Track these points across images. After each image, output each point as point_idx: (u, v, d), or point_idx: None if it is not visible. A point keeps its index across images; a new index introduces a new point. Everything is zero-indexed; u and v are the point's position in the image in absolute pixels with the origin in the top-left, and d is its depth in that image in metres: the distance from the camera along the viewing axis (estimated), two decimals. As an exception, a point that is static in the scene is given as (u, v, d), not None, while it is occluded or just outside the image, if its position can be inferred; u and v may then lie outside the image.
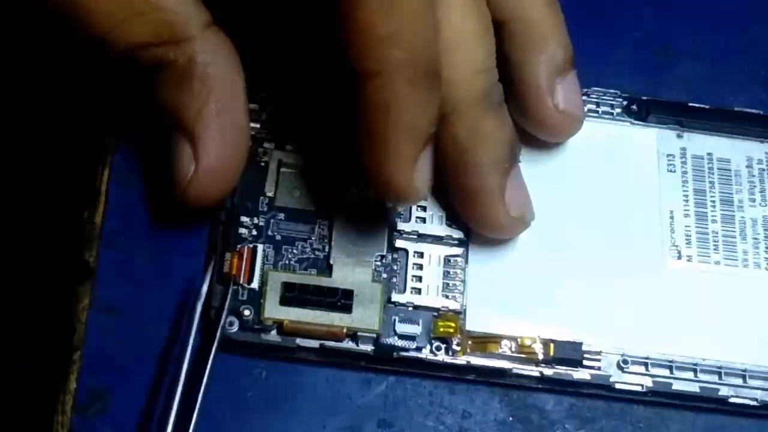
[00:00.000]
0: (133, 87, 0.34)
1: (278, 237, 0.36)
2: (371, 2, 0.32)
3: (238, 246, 0.35)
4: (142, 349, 0.35)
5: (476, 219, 0.36)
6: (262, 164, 0.36)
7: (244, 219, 0.35)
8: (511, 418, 0.35)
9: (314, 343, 0.34)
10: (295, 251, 0.35)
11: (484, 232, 0.36)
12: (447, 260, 0.36)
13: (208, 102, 0.33)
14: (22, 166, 0.40)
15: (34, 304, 0.39)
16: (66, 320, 0.35)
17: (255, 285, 0.35)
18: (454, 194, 0.36)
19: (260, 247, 0.35)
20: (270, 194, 0.36)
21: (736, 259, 0.38)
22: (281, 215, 0.36)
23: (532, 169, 0.38)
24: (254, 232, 0.35)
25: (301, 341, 0.34)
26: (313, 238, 0.36)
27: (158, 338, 0.35)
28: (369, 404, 0.35)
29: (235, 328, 0.34)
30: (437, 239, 0.36)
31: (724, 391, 0.36)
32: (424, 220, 0.36)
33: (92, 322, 0.35)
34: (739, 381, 0.36)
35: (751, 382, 0.36)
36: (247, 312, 0.34)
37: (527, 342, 0.35)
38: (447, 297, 0.36)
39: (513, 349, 0.35)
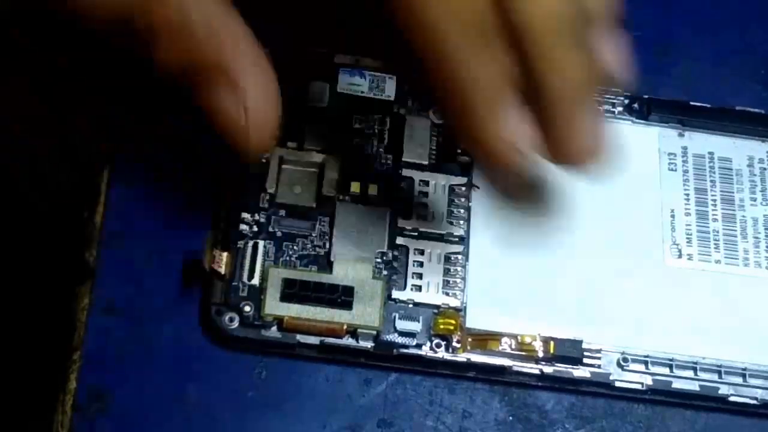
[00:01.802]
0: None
1: (279, 233, 0.36)
2: None
3: (238, 243, 0.35)
4: (142, 349, 0.35)
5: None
6: (263, 161, 0.36)
7: (245, 215, 0.35)
8: (511, 418, 0.35)
9: (314, 340, 0.34)
10: (295, 248, 0.35)
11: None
12: (447, 258, 0.36)
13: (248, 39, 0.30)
14: (22, 166, 0.39)
15: (34, 304, 0.39)
16: (66, 320, 0.35)
17: (255, 281, 0.34)
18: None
19: (261, 244, 0.35)
20: (271, 191, 0.36)
21: (737, 258, 0.38)
22: (282, 212, 0.36)
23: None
24: (255, 229, 0.35)
25: (301, 338, 0.34)
26: (313, 235, 0.36)
27: (158, 338, 0.35)
28: (369, 404, 0.35)
29: (235, 324, 0.34)
30: (438, 237, 0.36)
31: (724, 390, 0.36)
32: (425, 217, 0.36)
33: (92, 322, 0.35)
34: (739, 380, 0.36)
35: (751, 381, 0.36)
36: (247, 308, 0.34)
37: (527, 339, 0.35)
38: (447, 294, 0.36)
39: (513, 347, 0.35)
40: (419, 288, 0.35)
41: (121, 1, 0.30)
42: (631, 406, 0.36)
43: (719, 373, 0.36)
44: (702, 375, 0.36)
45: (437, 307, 0.35)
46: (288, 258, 0.35)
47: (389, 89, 0.38)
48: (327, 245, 0.36)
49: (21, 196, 0.39)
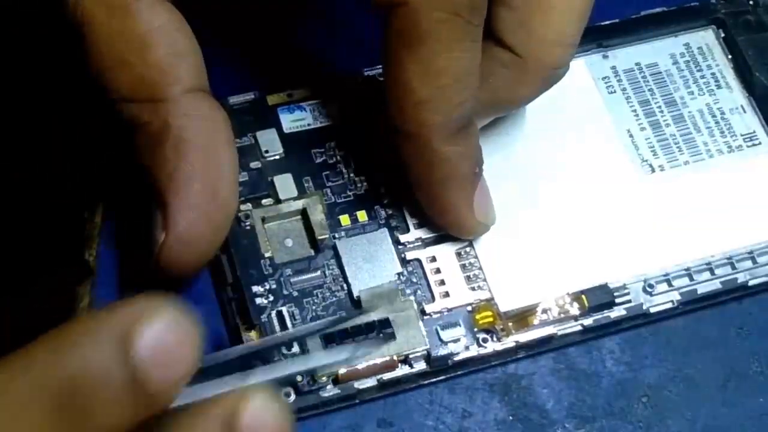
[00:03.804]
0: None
1: (295, 293, 0.35)
2: (413, 66, 0.32)
3: (261, 317, 0.34)
4: None
5: (446, 225, 0.36)
6: (248, 228, 0.35)
7: (256, 288, 0.35)
8: (511, 418, 0.35)
9: (372, 381, 0.34)
10: (316, 300, 0.35)
11: (453, 233, 0.37)
12: (459, 254, 0.36)
13: (179, 168, 0.32)
14: (21, 165, 0.38)
15: (34, 304, 0.38)
16: (66, 320, 0.33)
17: (296, 349, 0.34)
18: (424, 203, 0.36)
19: (284, 310, 0.34)
20: (268, 255, 0.35)
21: (701, 153, 0.39)
22: (288, 270, 0.35)
23: (495, 140, 0.38)
24: (271, 297, 0.35)
25: (358, 383, 0.34)
26: (327, 282, 0.35)
27: None
28: (369, 404, 0.35)
29: (292, 397, 0.34)
30: (441, 238, 0.36)
31: (741, 278, 0.37)
32: (422, 224, 0.36)
33: None
34: (749, 263, 0.38)
35: (761, 260, 0.38)
36: (299, 377, 0.33)
37: (560, 303, 0.36)
38: (474, 289, 0.36)
39: (550, 313, 0.36)
40: (447, 294, 0.36)
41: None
42: (632, 406, 0.36)
43: (731, 264, 0.37)
44: (718, 272, 0.37)
45: (470, 304, 0.36)
46: (315, 313, 0.35)
47: (332, 112, 0.38)
48: (344, 286, 0.35)
49: (21, 195, 0.38)
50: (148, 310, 0.25)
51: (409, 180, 0.35)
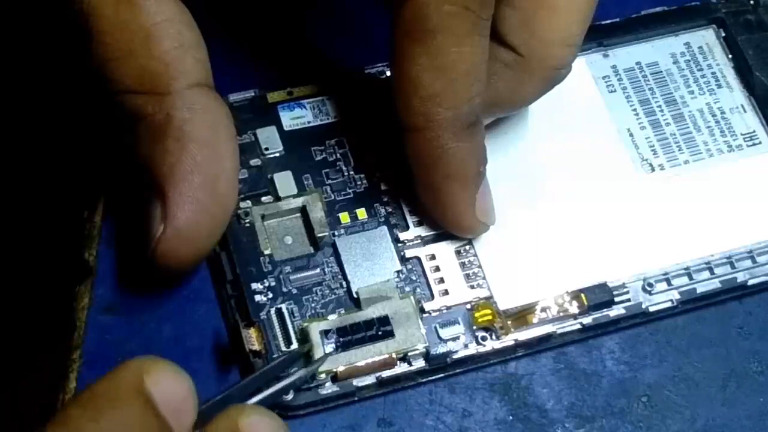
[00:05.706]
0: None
1: (294, 290, 0.35)
2: (423, 60, 0.32)
3: (260, 314, 0.34)
4: (142, 349, 0.34)
5: (447, 223, 0.36)
6: (248, 225, 0.35)
7: (256, 286, 0.35)
8: (511, 418, 0.35)
9: (371, 379, 0.34)
10: (316, 298, 0.35)
11: (453, 232, 0.36)
12: (458, 252, 0.36)
13: (180, 161, 0.32)
14: (22, 165, 0.38)
15: (34, 304, 0.39)
16: (66, 320, 0.34)
17: (295, 345, 0.34)
18: (426, 201, 0.36)
19: (283, 307, 0.34)
20: (267, 252, 0.35)
21: (701, 152, 0.39)
22: (287, 268, 0.35)
23: (494, 138, 0.38)
24: (270, 295, 0.35)
25: (357, 381, 0.34)
26: (327, 279, 0.35)
27: (158, 338, 0.34)
28: (369, 404, 0.35)
29: (291, 394, 0.33)
30: (441, 236, 0.36)
31: (741, 277, 0.37)
32: (421, 222, 0.36)
33: (92, 321, 0.34)
34: (749, 263, 0.37)
35: (760, 260, 0.38)
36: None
37: (558, 301, 0.36)
38: (473, 287, 0.36)
39: (549, 312, 0.36)
40: (446, 292, 0.36)
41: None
42: (631, 405, 0.36)
43: (731, 263, 0.37)
44: (717, 271, 0.37)
45: (469, 303, 0.35)
46: (314, 311, 0.35)
47: (332, 110, 0.38)
48: (344, 284, 0.35)
49: (21, 196, 0.38)
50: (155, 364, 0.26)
51: (411, 176, 0.35)
